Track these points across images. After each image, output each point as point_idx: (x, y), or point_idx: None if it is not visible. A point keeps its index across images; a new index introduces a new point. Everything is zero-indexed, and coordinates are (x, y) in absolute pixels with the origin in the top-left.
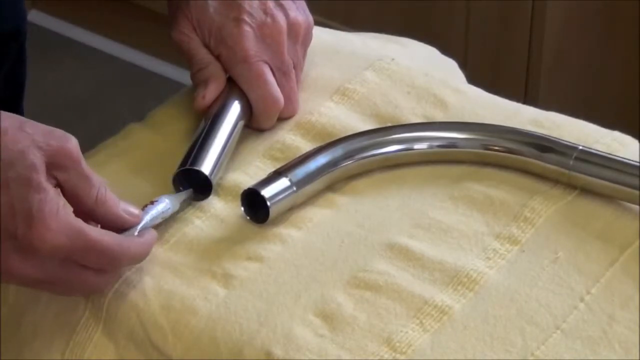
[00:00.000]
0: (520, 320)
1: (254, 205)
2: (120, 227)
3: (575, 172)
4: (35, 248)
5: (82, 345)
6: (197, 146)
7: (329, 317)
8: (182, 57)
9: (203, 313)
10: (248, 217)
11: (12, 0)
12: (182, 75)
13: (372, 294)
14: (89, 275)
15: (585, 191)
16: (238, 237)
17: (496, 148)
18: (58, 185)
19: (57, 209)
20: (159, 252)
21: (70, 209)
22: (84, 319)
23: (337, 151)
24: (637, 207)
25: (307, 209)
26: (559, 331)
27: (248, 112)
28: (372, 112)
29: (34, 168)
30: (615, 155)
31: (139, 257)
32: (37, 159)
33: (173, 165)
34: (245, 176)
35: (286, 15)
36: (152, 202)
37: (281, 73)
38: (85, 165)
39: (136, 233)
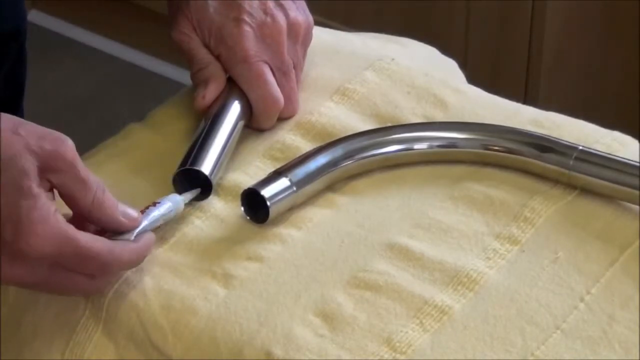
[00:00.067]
0: (520, 320)
1: (254, 205)
2: (117, 230)
3: (575, 172)
4: (23, 254)
5: (82, 345)
6: (197, 146)
7: (329, 317)
8: (182, 57)
9: (203, 313)
10: (248, 217)
11: (12, 0)
12: (182, 75)
13: (372, 294)
14: (81, 279)
15: (585, 191)
16: (238, 237)
17: (496, 148)
18: (53, 188)
19: (47, 215)
20: (159, 252)
21: (60, 215)
22: (83, 319)
23: (337, 151)
24: (637, 207)
25: (307, 209)
26: (559, 331)
27: (248, 112)
28: (372, 112)
29: (25, 174)
30: (615, 155)
31: (132, 263)
32: (29, 163)
33: (173, 165)
34: (245, 176)
35: (286, 15)
36: (154, 204)
37: (281, 73)
38: (81, 167)
39: (132, 237)
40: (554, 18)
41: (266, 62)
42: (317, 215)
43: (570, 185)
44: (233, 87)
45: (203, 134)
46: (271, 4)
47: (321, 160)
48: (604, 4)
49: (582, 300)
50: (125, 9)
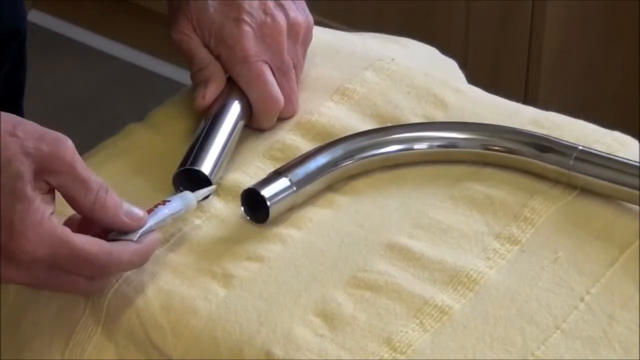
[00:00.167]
0: (520, 320)
1: (254, 205)
2: (121, 230)
3: (575, 172)
4: (16, 257)
5: (82, 345)
6: (197, 146)
7: (329, 317)
8: (182, 57)
9: (203, 313)
10: (248, 217)
11: (12, 0)
12: (182, 75)
13: (372, 294)
14: (80, 280)
15: (585, 191)
16: (238, 237)
17: (496, 148)
18: (54, 189)
19: (41, 219)
20: (159, 252)
21: (56, 218)
22: (83, 319)
23: (337, 151)
24: (637, 207)
25: (307, 209)
26: (559, 331)
27: (248, 112)
28: (372, 112)
29: (19, 177)
30: (615, 155)
31: (133, 264)
32: (24, 166)
33: (173, 165)
34: (245, 176)
35: (286, 15)
36: (163, 202)
37: (281, 73)
38: (82, 168)
39: (136, 238)
40: (554, 18)
41: (266, 62)
42: (317, 215)
43: (570, 185)
44: (233, 87)
45: (203, 134)
46: (271, 4)
47: (321, 160)
48: (604, 4)
49: (582, 300)
50: (125, 9)
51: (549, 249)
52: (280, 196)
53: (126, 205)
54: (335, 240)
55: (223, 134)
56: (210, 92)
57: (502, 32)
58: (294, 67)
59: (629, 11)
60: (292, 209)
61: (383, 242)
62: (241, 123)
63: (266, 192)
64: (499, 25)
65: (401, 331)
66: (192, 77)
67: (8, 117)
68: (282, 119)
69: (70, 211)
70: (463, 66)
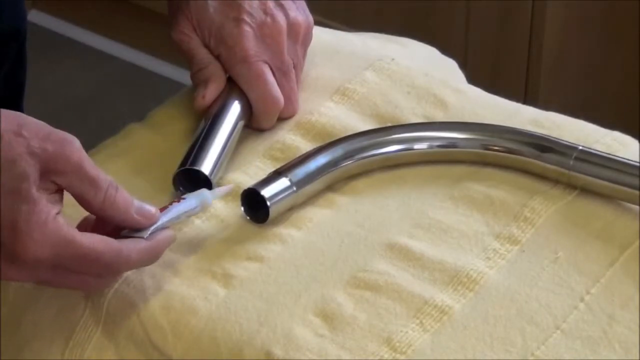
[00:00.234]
0: (520, 320)
1: (254, 205)
2: (133, 228)
3: (575, 172)
4: (21, 258)
5: (82, 345)
6: (197, 146)
7: (329, 317)
8: (182, 57)
9: (203, 313)
10: (248, 217)
11: (12, 0)
12: (182, 75)
13: (372, 294)
14: (87, 279)
15: (585, 191)
16: (238, 237)
17: (496, 148)
18: (61, 189)
19: (45, 220)
20: None
21: (61, 218)
22: (83, 319)
23: (337, 151)
24: (637, 207)
25: (307, 209)
26: (559, 331)
27: (248, 112)
28: (372, 112)
29: (24, 178)
30: (615, 155)
31: (143, 261)
32: (30, 167)
33: (173, 165)
34: (245, 176)
35: (286, 15)
36: (178, 200)
37: (281, 73)
38: (89, 167)
39: (147, 235)
40: (554, 18)
41: (266, 62)
42: (317, 215)
43: (570, 185)
44: (233, 87)
45: (203, 134)
46: (271, 4)
47: (321, 160)
48: (604, 4)
49: (582, 300)
50: (125, 9)
51: (549, 249)
52: (280, 196)
53: (137, 203)
54: (335, 240)
55: (223, 134)
56: (210, 92)
57: (502, 32)
58: (294, 67)
59: (629, 11)
60: (292, 209)
61: (383, 242)
62: (241, 123)
63: (266, 192)
64: (499, 25)
65: (401, 331)
66: (192, 77)
67: (13, 116)
68: (282, 119)
69: (77, 214)
70: (463, 66)
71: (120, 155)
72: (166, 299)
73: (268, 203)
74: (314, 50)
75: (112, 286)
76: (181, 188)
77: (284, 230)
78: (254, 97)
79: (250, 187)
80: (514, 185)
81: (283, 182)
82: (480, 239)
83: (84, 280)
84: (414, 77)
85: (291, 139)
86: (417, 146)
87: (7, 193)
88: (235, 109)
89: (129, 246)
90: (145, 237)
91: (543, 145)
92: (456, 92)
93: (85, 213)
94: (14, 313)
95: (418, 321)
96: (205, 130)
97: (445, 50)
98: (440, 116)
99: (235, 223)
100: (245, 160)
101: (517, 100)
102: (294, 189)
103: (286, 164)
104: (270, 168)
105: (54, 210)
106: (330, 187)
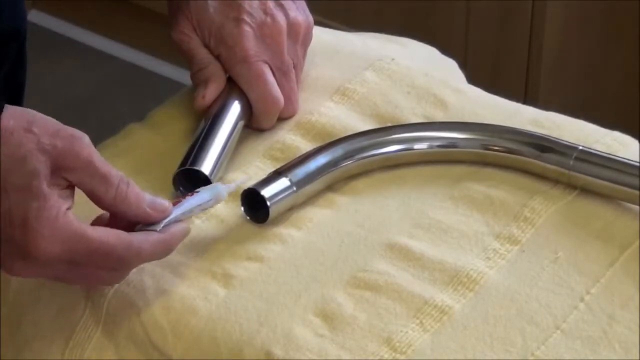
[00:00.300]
0: (520, 320)
1: (254, 205)
2: (146, 222)
3: (575, 172)
4: (33, 255)
5: (82, 345)
6: (197, 146)
7: (329, 317)
8: (182, 57)
9: (203, 313)
10: (248, 217)
11: (12, 0)
12: (182, 75)
13: (372, 294)
14: (101, 273)
15: (585, 191)
16: (238, 237)
17: (496, 148)
18: (72, 185)
19: (56, 216)
20: None
21: (72, 214)
22: (83, 319)
23: (337, 151)
24: (637, 207)
25: (307, 209)
26: (559, 331)
27: (248, 112)
28: (372, 112)
29: (35, 174)
30: (615, 155)
31: (156, 254)
32: (40, 163)
33: (173, 165)
34: (245, 176)
35: (286, 15)
36: (192, 194)
37: (281, 73)
38: (99, 163)
39: (159, 228)
40: (554, 18)
41: (266, 62)
42: (317, 215)
43: (570, 185)
44: (233, 87)
45: (203, 134)
46: (271, 4)
47: (321, 160)
48: (604, 4)
49: (582, 300)
50: (125, 9)
51: (549, 249)
52: (280, 196)
53: (149, 197)
54: (335, 240)
55: (223, 134)
56: (210, 92)
57: (502, 32)
58: (294, 67)
59: (629, 11)
60: (292, 209)
61: (383, 242)
62: (241, 123)
63: (266, 192)
64: (499, 25)
65: (401, 331)
66: (192, 77)
67: (23, 113)
68: (282, 119)
69: (89, 212)
70: (463, 66)
71: (120, 155)
72: (166, 299)
73: (268, 203)
74: (314, 50)
75: (111, 286)
76: (181, 188)
77: (284, 230)
78: (254, 97)
79: (250, 187)
80: (514, 185)
81: (283, 182)
82: (480, 239)
83: (97, 274)
84: (414, 77)
85: (291, 139)
86: (417, 146)
87: (18, 190)
88: (235, 109)
89: (140, 238)
90: (158, 230)
91: (543, 145)
92: (456, 92)
93: (98, 210)
94: (14, 313)
95: (418, 321)
96: (205, 130)
97: (445, 50)
98: (440, 116)
99: (235, 223)
100: (245, 160)
101: (517, 100)
102: (294, 189)
103: (286, 164)
104: (270, 168)
105: (64, 205)
106: (330, 187)
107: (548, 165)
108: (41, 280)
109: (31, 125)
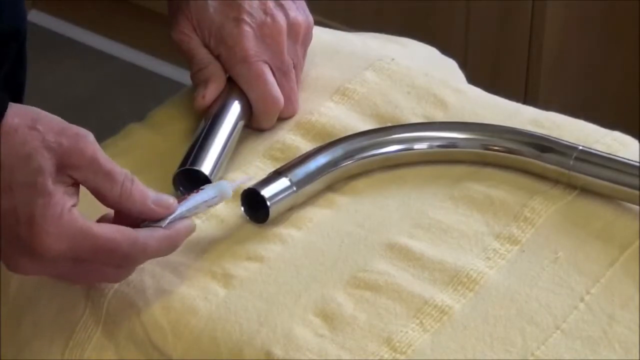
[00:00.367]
0: (520, 320)
1: (254, 205)
2: (151, 219)
3: (575, 172)
4: (38, 252)
5: (82, 345)
6: (197, 146)
7: (329, 317)
8: (182, 57)
9: (203, 313)
10: (248, 217)
11: (12, 0)
12: (182, 75)
13: (372, 294)
14: (107, 270)
15: (585, 191)
16: (238, 237)
17: (496, 148)
18: (77, 183)
19: (61, 213)
20: None
21: (77, 211)
22: (83, 319)
23: (337, 151)
24: (637, 207)
25: (307, 209)
26: (559, 331)
27: (248, 112)
28: (372, 112)
29: (40, 172)
30: (615, 155)
31: (161, 250)
32: (46, 161)
33: (173, 165)
34: (246, 176)
35: (286, 15)
36: (197, 190)
37: (281, 73)
38: (104, 160)
39: (164, 225)
40: (554, 18)
41: (266, 62)
42: (317, 215)
43: (570, 185)
44: (233, 87)
45: (203, 134)
46: (271, 4)
47: (321, 160)
48: (604, 4)
49: (582, 300)
50: (125, 9)
51: (549, 249)
52: (280, 196)
53: (154, 194)
54: (335, 240)
55: (223, 134)
56: (210, 92)
57: (502, 32)
58: (294, 67)
59: (629, 11)
60: (292, 209)
61: (383, 242)
62: (241, 123)
63: (266, 192)
64: (499, 25)
65: (401, 331)
66: (192, 77)
67: (27, 111)
68: (282, 119)
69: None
70: (463, 66)
71: (120, 155)
72: (166, 299)
73: (268, 203)
74: (314, 50)
75: (112, 286)
76: (181, 188)
77: (284, 230)
78: (254, 97)
79: (250, 187)
80: (514, 185)
81: (283, 182)
82: (480, 239)
83: (102, 271)
84: (414, 77)
85: (291, 139)
86: (417, 146)
87: (24, 187)
88: (235, 109)
89: (146, 235)
90: (163, 226)
91: (543, 145)
92: (456, 92)
93: (103, 208)
94: (14, 313)
95: (418, 321)
96: (205, 130)
97: (445, 50)
98: (440, 116)
99: (235, 223)
100: (245, 160)
101: (517, 100)
102: (294, 189)
103: (286, 164)
104: (270, 168)
105: (69, 202)
106: (330, 187)
107: (548, 165)
108: (41, 280)
109: (36, 123)
